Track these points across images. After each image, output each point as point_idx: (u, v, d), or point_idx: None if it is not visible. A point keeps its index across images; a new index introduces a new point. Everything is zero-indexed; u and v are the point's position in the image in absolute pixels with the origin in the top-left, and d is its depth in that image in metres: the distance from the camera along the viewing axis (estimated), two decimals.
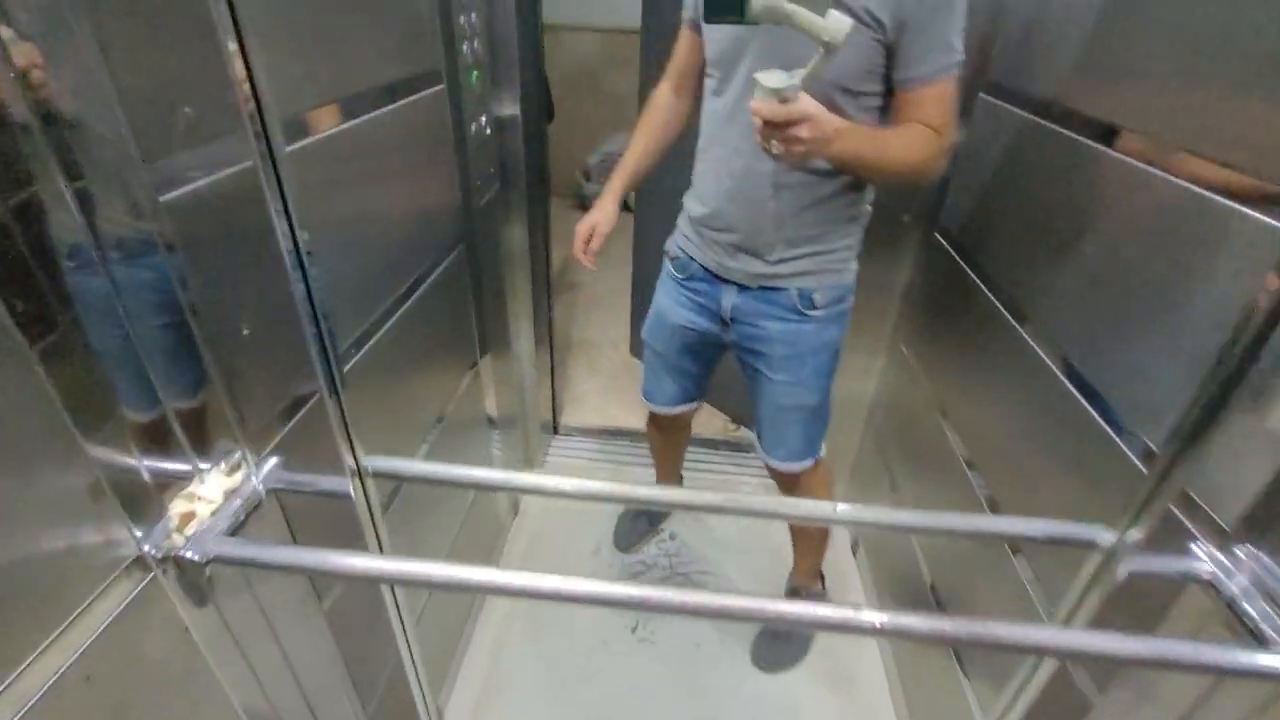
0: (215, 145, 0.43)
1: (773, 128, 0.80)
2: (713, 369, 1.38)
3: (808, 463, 1.26)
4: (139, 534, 0.56)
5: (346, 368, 0.82)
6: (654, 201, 1.91)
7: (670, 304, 1.27)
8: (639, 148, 1.24)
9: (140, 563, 0.56)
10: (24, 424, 0.44)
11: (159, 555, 0.57)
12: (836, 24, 0.72)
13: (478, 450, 1.52)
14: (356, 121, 0.82)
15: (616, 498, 0.66)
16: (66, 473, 0.48)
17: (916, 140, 0.95)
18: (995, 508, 1.04)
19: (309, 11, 0.71)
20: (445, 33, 1.11)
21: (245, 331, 0.51)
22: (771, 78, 0.77)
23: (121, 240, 0.47)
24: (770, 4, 0.71)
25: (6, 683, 0.45)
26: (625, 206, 1.26)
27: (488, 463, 1.61)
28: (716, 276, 1.17)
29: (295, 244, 0.48)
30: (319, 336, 0.52)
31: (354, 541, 0.73)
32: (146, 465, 0.57)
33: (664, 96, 1.23)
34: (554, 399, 2.09)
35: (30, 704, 0.46)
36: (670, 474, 1.73)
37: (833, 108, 0.85)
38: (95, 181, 0.46)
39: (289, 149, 0.54)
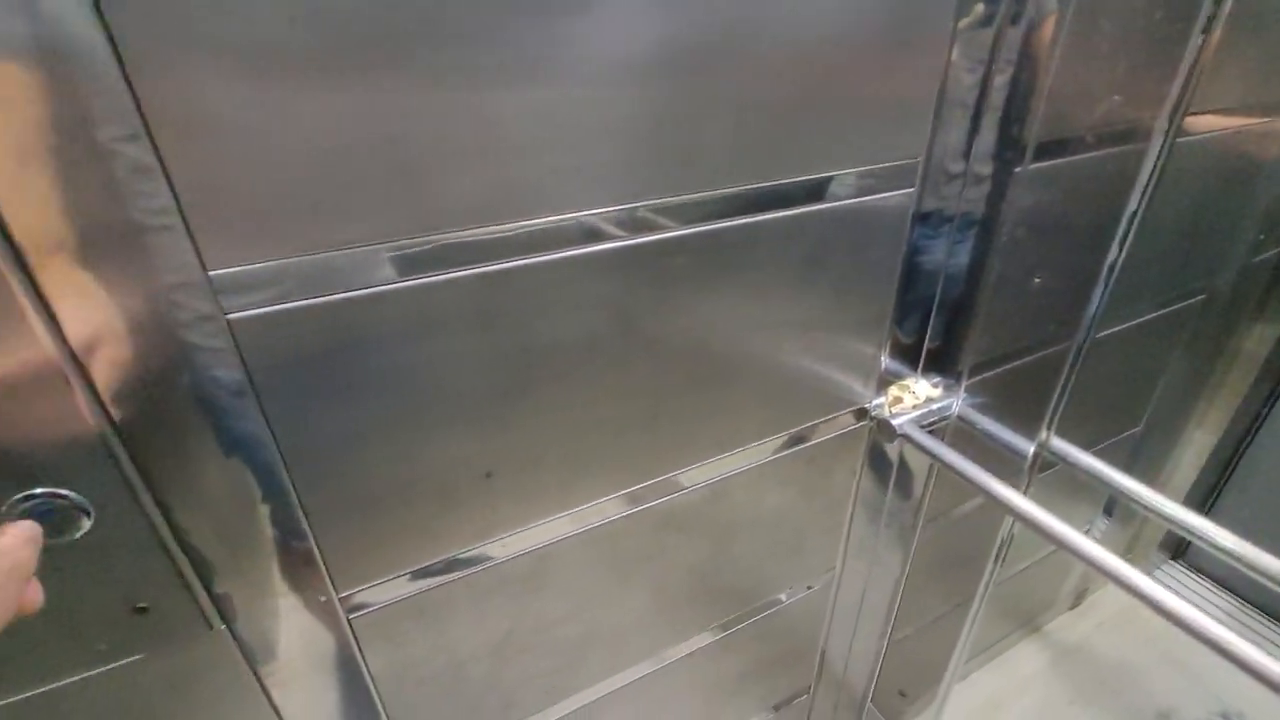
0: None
1: None
2: None
3: None
4: (869, 393, 0.79)
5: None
6: None
7: None
8: None
9: (861, 413, 0.79)
10: (873, 316, 0.70)
11: (873, 414, 0.79)
12: None
13: (1084, 507, 1.38)
14: (1193, 139, 0.81)
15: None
16: (868, 344, 0.72)
17: None
18: None
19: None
20: None
21: (1036, 280, 0.63)
22: None
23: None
24: None
25: (796, 430, 0.74)
26: None
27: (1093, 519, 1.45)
28: None
29: (1131, 223, 0.56)
30: (1098, 304, 0.59)
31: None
32: (891, 354, 0.79)
33: None
34: (1212, 504, 1.64)
35: (796, 450, 0.76)
36: None
37: None
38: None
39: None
